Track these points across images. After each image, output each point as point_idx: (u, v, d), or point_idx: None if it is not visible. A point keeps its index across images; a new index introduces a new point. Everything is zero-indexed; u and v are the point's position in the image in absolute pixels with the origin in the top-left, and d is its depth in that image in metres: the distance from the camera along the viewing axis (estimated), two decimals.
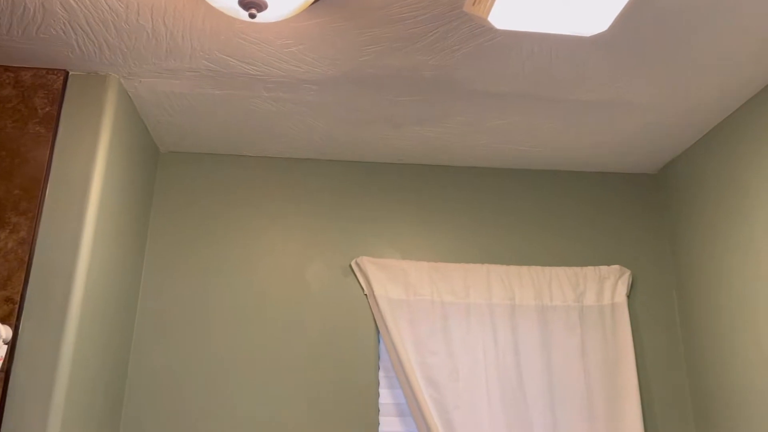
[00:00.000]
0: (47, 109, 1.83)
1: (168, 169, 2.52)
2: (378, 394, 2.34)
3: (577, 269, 2.51)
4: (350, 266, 2.48)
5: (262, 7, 1.47)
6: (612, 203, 2.67)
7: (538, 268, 2.50)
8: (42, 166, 1.77)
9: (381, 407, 2.33)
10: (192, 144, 2.50)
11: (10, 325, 1.59)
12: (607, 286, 2.48)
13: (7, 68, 1.88)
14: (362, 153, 2.56)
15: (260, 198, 2.53)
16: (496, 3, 1.44)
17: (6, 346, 1.52)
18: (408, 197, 2.60)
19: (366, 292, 2.44)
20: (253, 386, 2.28)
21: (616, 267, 2.52)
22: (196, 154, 2.56)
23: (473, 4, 1.52)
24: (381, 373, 2.38)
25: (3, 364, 1.54)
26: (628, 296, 2.50)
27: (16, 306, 1.63)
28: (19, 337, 1.63)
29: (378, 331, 2.40)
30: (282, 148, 2.53)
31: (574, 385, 2.32)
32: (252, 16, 1.47)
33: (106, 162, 1.90)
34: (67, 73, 1.93)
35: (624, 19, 1.71)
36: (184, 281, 2.39)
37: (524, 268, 2.50)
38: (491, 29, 1.74)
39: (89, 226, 1.79)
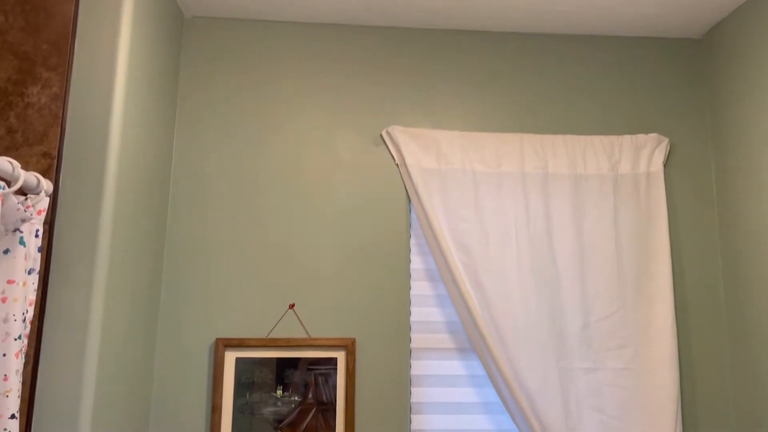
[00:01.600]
0: None
1: (193, 35, 2.46)
2: (409, 260, 2.38)
3: (613, 138, 2.45)
4: (381, 136, 2.45)
5: None
6: (653, 70, 2.56)
7: (573, 136, 2.45)
8: (68, 21, 1.73)
9: (412, 272, 2.38)
10: (217, 8, 2.42)
11: (50, 179, 1.61)
12: (643, 155, 2.43)
13: None
14: (394, 17, 2.46)
15: (289, 65, 2.47)
16: None
17: (48, 199, 1.55)
18: (440, 65, 2.52)
19: (397, 161, 2.42)
20: (284, 253, 2.33)
21: (653, 135, 2.46)
22: (220, 19, 2.48)
23: None
24: (412, 240, 2.41)
25: (46, 215, 1.57)
26: (665, 165, 2.45)
27: (54, 161, 1.65)
28: (60, 190, 1.66)
29: (409, 200, 2.41)
30: (312, 12, 2.43)
31: (605, 252, 2.33)
32: None
33: (132, 18, 1.85)
34: None
35: None
36: (215, 147, 2.39)
37: (559, 137, 2.44)
38: None
39: (120, 81, 1.77)
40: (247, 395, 2.20)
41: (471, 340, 2.29)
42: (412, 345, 2.33)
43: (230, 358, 2.22)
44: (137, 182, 1.96)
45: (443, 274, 2.32)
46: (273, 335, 2.26)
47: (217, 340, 2.22)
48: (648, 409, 2.20)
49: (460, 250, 2.31)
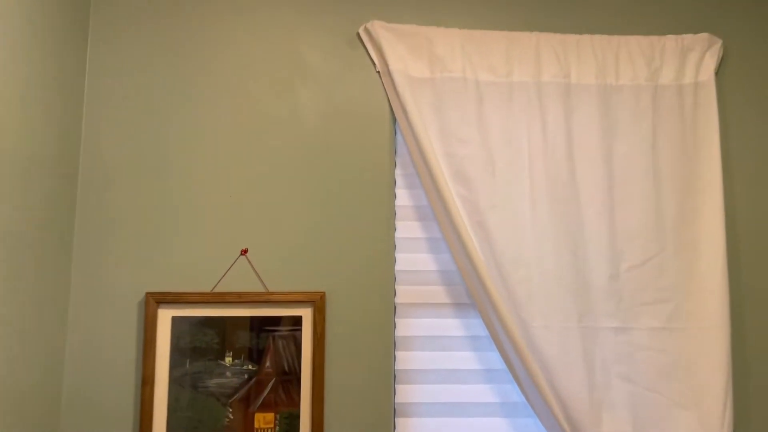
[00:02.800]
0: None
1: None
2: (393, 195, 1.88)
3: (654, 39, 1.93)
4: (358, 34, 1.92)
5: None
6: None
7: (603, 37, 1.93)
8: None
9: (397, 210, 1.89)
10: None
11: None
12: (690, 60, 1.92)
13: None
14: None
15: None
16: None
17: None
18: None
19: (379, 68, 1.90)
20: (235, 186, 1.83)
21: (704, 35, 1.94)
22: None
23: None
24: (397, 171, 1.91)
25: None
26: (717, 74, 1.94)
27: None
28: None
29: (394, 119, 1.90)
30: None
31: (640, 183, 1.85)
32: None
33: None
34: None
35: None
36: (142, 53, 1.85)
37: (585, 38, 1.92)
38: None
39: None
40: (187, 364, 1.73)
41: (471, 293, 1.82)
42: (397, 300, 1.86)
43: (165, 317, 1.75)
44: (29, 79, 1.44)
45: (437, 212, 1.83)
46: (220, 289, 1.78)
47: (148, 296, 1.73)
48: (691, 378, 1.76)
49: (459, 181, 1.81)
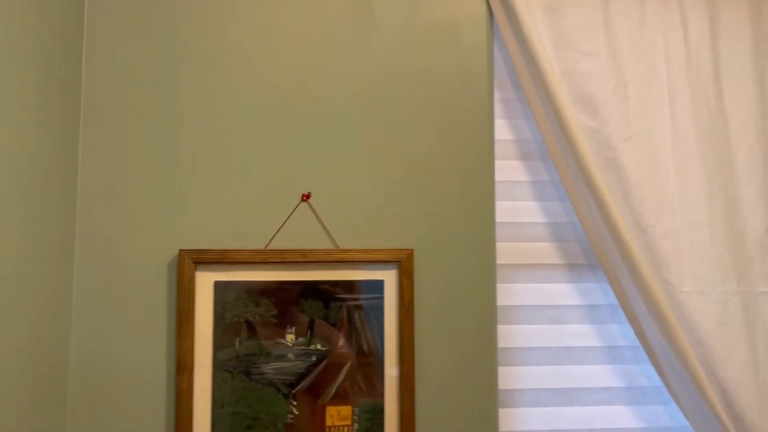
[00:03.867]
0: None
1: None
2: (492, 127, 1.47)
3: None
4: None
5: None
6: None
7: None
8: None
9: (497, 145, 1.48)
10: None
11: None
12: None
13: None
14: None
15: None
16: None
17: None
18: None
19: None
20: (292, 117, 1.39)
21: None
22: None
23: None
24: (497, 95, 1.50)
25: None
26: None
27: None
28: None
29: (492, 27, 1.48)
30: None
31: None
32: None
33: None
34: None
35: None
36: None
37: None
38: None
39: None
40: (236, 344, 1.31)
41: (596, 252, 1.43)
42: (499, 261, 1.47)
43: (205, 282, 1.32)
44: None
45: (551, 148, 1.43)
46: (276, 245, 1.35)
47: (182, 254, 1.30)
48: None
49: (582, 106, 1.41)
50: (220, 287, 1.32)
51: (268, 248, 1.34)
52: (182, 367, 1.28)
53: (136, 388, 1.29)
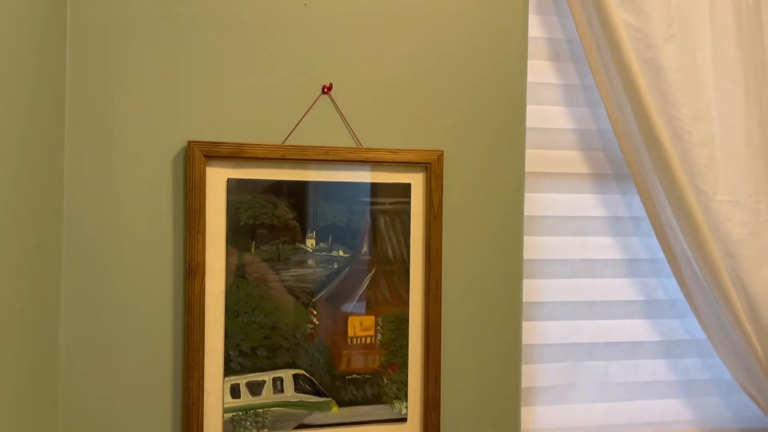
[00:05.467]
0: None
1: None
2: (525, 23, 1.35)
3: None
4: None
5: None
6: None
7: None
8: None
9: (530, 43, 1.38)
10: None
11: None
12: None
13: None
14: None
15: None
16: None
17: None
18: None
19: None
20: (311, 1, 1.23)
21: None
22: None
23: None
24: None
25: None
26: None
27: None
28: None
29: None
30: None
31: None
32: None
33: None
34: None
35: None
36: None
37: None
38: None
39: None
40: (252, 248, 1.19)
41: (628, 159, 1.37)
42: (528, 169, 1.38)
43: (217, 179, 1.17)
44: None
45: (588, 48, 1.34)
46: (294, 141, 1.22)
47: (191, 146, 1.15)
48: None
49: (622, 3, 1.32)
50: (233, 185, 1.18)
51: (286, 144, 1.20)
52: (193, 271, 1.14)
53: (141, 295, 1.15)
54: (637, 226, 1.45)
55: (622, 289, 1.46)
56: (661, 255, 1.42)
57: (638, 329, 1.47)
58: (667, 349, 1.48)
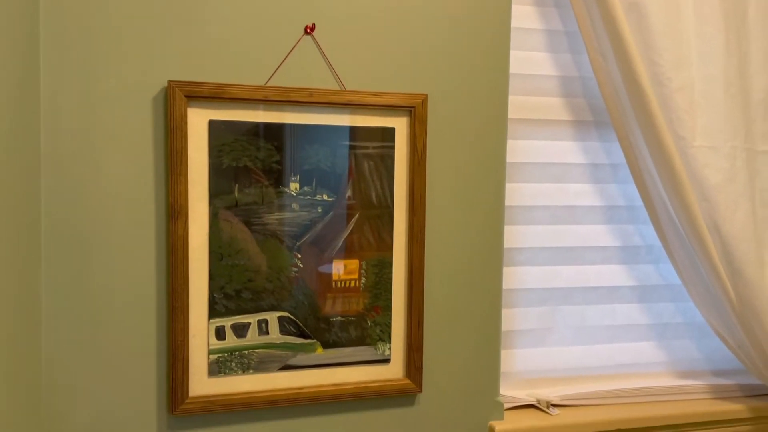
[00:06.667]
0: None
1: None
2: None
3: None
4: None
5: None
6: None
7: None
8: None
9: None
10: None
11: None
12: None
13: None
14: None
15: None
16: None
17: None
18: None
19: None
20: None
21: None
22: None
23: None
24: None
25: None
26: None
27: None
28: None
29: None
30: None
31: None
32: None
33: None
34: None
35: None
36: None
37: None
38: None
39: None
40: (235, 191, 1.18)
41: (609, 105, 1.38)
42: (510, 115, 1.38)
43: (199, 121, 1.15)
44: None
45: None
46: (277, 83, 1.20)
47: (171, 86, 1.12)
48: None
49: None
50: (215, 127, 1.16)
51: (268, 86, 1.18)
52: (176, 213, 1.13)
53: (124, 238, 1.13)
54: (615, 173, 1.48)
55: (600, 235, 1.49)
56: (638, 202, 1.45)
57: (615, 274, 1.50)
58: (643, 294, 1.52)
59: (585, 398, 1.45)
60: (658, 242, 1.47)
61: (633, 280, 1.51)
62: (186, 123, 1.14)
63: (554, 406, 1.42)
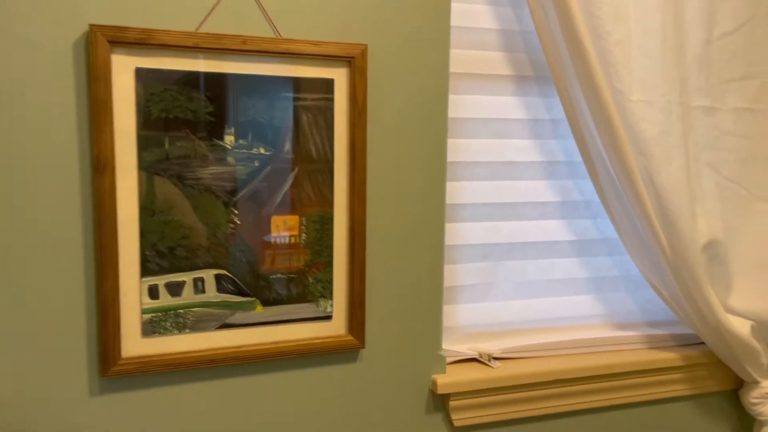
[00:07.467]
0: None
1: None
2: None
3: None
4: None
5: None
6: None
7: None
8: None
9: None
10: None
11: None
12: None
13: None
14: None
15: None
16: None
17: None
18: None
19: None
20: None
21: None
22: None
23: None
24: None
25: None
26: None
27: None
28: None
29: None
30: None
31: None
32: None
33: None
34: None
35: None
36: None
37: None
38: None
39: None
40: (166, 143, 1.12)
41: (550, 60, 1.37)
42: (452, 69, 1.36)
43: (124, 68, 1.08)
44: None
45: None
46: (209, 29, 1.14)
47: (93, 30, 1.05)
48: None
49: None
50: (143, 75, 1.09)
51: (199, 32, 1.12)
52: (102, 166, 1.07)
53: (47, 191, 1.07)
54: (556, 128, 1.48)
55: (540, 190, 1.50)
56: (578, 157, 1.46)
57: (554, 229, 1.52)
58: (581, 248, 1.54)
59: (525, 351, 1.48)
60: (596, 197, 1.49)
61: (572, 234, 1.53)
62: (110, 70, 1.07)
63: (495, 359, 1.44)
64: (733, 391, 1.64)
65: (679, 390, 1.58)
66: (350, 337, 1.28)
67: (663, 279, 1.49)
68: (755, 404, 1.58)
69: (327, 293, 1.26)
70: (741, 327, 1.50)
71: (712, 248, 1.46)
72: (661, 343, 1.60)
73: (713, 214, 1.47)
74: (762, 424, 1.59)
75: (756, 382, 1.57)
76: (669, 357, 1.55)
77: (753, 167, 1.53)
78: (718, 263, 1.48)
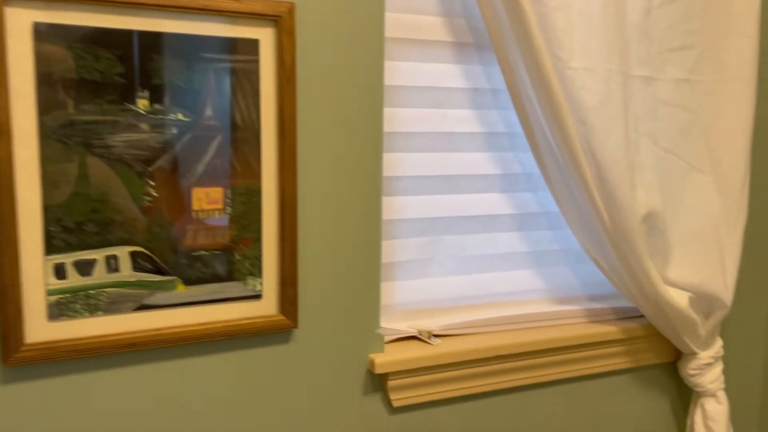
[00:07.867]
0: None
1: None
2: None
3: None
4: None
5: None
6: None
7: None
8: None
9: None
10: None
11: None
12: None
13: None
14: None
15: None
16: None
17: None
18: None
19: None
20: None
21: None
22: None
23: None
24: None
25: None
26: None
27: None
28: None
29: None
30: None
31: None
32: None
33: None
34: None
35: None
36: None
37: None
38: None
39: None
40: (71, 107, 1.01)
41: (489, 26, 1.32)
42: (387, 34, 1.29)
43: (19, 22, 0.97)
44: None
45: None
46: None
47: None
48: (710, 139, 1.53)
49: None
50: (42, 31, 0.98)
51: None
52: None
53: None
54: (496, 98, 1.44)
55: (480, 163, 1.45)
56: (518, 129, 1.42)
57: (495, 203, 1.48)
58: (522, 222, 1.51)
59: (466, 327, 1.44)
60: (536, 170, 1.45)
61: (512, 208, 1.49)
62: (3, 25, 0.95)
63: (435, 336, 1.39)
64: (672, 363, 1.65)
65: (620, 363, 1.57)
66: (282, 317, 1.20)
67: (603, 251, 1.47)
68: (693, 375, 1.59)
69: (255, 271, 1.18)
70: (679, 299, 1.50)
71: (651, 219, 1.45)
72: (602, 317, 1.58)
73: (652, 185, 1.46)
74: (699, 395, 1.61)
75: (693, 354, 1.58)
76: (609, 330, 1.53)
77: (691, 138, 1.52)
78: (656, 234, 1.47)
